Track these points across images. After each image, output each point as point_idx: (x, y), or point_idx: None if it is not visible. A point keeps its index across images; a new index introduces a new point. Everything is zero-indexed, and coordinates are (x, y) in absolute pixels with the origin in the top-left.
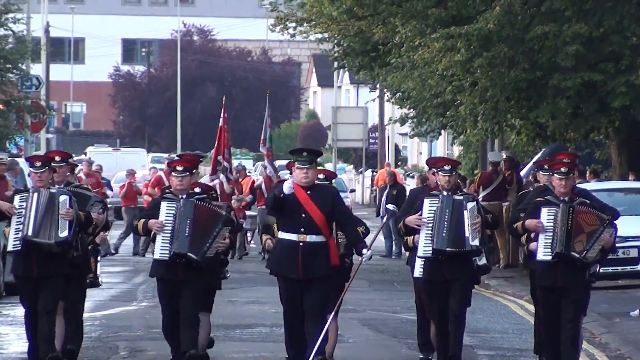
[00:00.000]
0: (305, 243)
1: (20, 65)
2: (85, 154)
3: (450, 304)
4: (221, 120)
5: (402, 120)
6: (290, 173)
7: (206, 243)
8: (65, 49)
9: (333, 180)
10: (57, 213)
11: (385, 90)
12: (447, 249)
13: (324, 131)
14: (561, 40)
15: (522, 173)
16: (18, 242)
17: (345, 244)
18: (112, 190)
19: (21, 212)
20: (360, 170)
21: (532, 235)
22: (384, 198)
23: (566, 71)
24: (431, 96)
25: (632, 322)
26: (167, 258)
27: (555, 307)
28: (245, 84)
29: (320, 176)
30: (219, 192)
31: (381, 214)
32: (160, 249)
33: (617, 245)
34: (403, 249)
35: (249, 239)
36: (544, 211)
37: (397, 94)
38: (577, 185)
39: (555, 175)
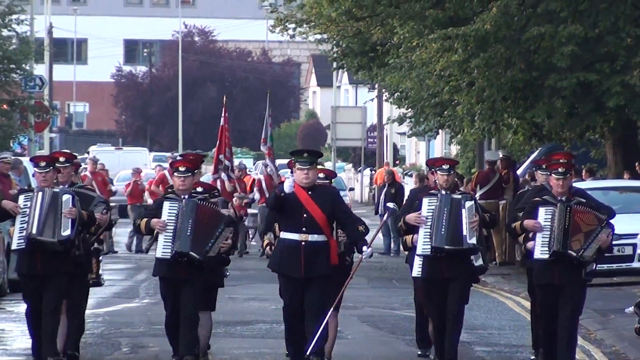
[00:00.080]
0: (307, 242)
1: (23, 65)
2: (88, 153)
3: (449, 303)
4: (222, 119)
5: (400, 120)
6: (291, 171)
7: (208, 243)
8: (68, 50)
9: (332, 180)
10: (60, 212)
11: (383, 90)
12: (446, 247)
13: (323, 130)
14: (557, 40)
15: (519, 172)
16: (22, 241)
17: (346, 242)
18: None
19: (25, 211)
20: (359, 169)
21: (530, 235)
22: (382, 196)
23: (562, 71)
24: (429, 96)
25: (626, 318)
26: (169, 257)
27: (552, 305)
28: (245, 84)
29: (321, 175)
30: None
31: (380, 212)
32: (162, 248)
33: (612, 242)
34: (402, 248)
35: (251, 237)
36: (542, 210)
37: (396, 94)
38: (574, 185)
39: (553, 175)
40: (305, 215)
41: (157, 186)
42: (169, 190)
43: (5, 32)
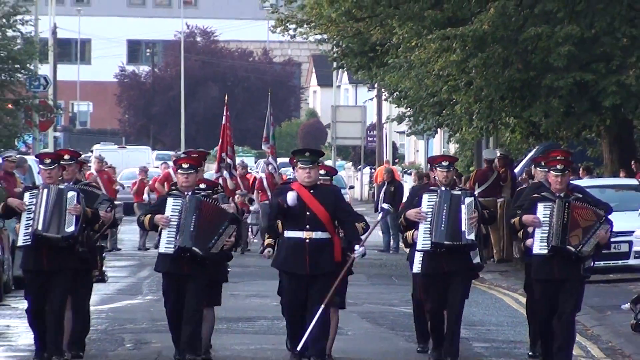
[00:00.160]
0: (311, 240)
1: (28, 65)
2: (92, 151)
3: (450, 299)
4: (224, 118)
5: (400, 119)
6: (293, 168)
7: (212, 239)
8: (72, 50)
9: (333, 177)
10: (64, 208)
11: (383, 89)
12: (445, 242)
13: (323, 129)
14: (554, 41)
15: (516, 170)
16: (28, 237)
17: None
18: None
19: (31, 208)
20: (358, 167)
21: (530, 229)
22: (382, 194)
23: (559, 71)
24: (427, 95)
25: (623, 315)
26: (172, 252)
27: (551, 300)
28: (246, 83)
29: (321, 172)
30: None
31: (379, 210)
32: (165, 244)
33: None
34: (402, 245)
35: (253, 234)
36: (540, 206)
37: (395, 93)
38: (571, 182)
39: (551, 172)
40: (308, 213)
41: (162, 184)
42: (173, 187)
43: (10, 33)
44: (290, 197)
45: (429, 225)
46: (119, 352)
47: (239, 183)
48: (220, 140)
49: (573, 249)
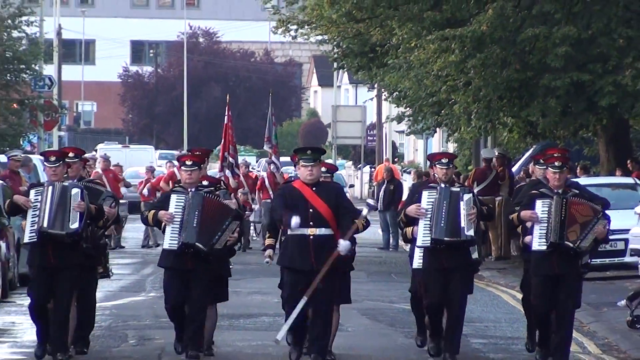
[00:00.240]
0: (315, 236)
1: (33, 66)
2: (96, 150)
3: (451, 297)
4: (226, 118)
5: (399, 119)
6: (295, 166)
7: (215, 235)
8: (77, 51)
9: (333, 174)
10: (69, 205)
11: (382, 89)
12: (445, 238)
13: (324, 129)
14: (551, 41)
15: (514, 169)
16: (34, 234)
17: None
18: None
19: (37, 205)
20: (359, 166)
21: (528, 225)
22: (382, 193)
23: (556, 71)
24: (427, 95)
25: (619, 311)
26: (175, 248)
27: (550, 296)
28: (248, 83)
29: (322, 169)
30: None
31: (379, 208)
32: (169, 240)
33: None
34: (402, 242)
35: (257, 232)
36: (539, 203)
37: (394, 93)
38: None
39: (550, 168)
40: (311, 210)
41: (167, 183)
42: (177, 184)
43: (15, 34)
44: (294, 222)
45: (428, 222)
46: (122, 349)
47: (242, 182)
48: (223, 140)
49: (571, 245)
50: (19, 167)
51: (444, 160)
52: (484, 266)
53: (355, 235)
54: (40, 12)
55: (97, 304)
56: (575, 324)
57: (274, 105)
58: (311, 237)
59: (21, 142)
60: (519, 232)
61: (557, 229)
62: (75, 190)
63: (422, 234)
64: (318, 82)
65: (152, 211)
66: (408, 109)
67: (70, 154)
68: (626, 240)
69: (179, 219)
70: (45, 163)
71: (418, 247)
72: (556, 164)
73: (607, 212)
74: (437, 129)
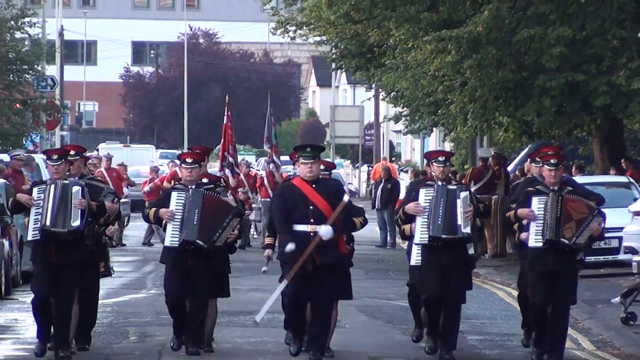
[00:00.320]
0: (316, 233)
1: (36, 66)
2: (97, 150)
3: (449, 294)
4: (225, 118)
5: (396, 118)
6: (294, 164)
7: (216, 232)
8: (79, 51)
9: (332, 172)
10: (70, 203)
11: (380, 89)
12: (443, 236)
13: (322, 128)
14: (546, 42)
15: (509, 168)
16: (37, 232)
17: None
18: None
19: (39, 203)
20: (356, 165)
21: (525, 222)
22: (379, 192)
23: (551, 72)
24: (423, 95)
25: (613, 308)
26: (177, 245)
27: (546, 290)
28: (248, 84)
29: (321, 167)
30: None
31: (377, 207)
32: (170, 237)
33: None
34: (399, 239)
35: (258, 231)
36: (535, 200)
37: (392, 94)
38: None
39: (546, 166)
40: (311, 207)
41: (170, 182)
42: (177, 182)
43: (18, 35)
44: (289, 247)
45: (426, 219)
46: (123, 345)
47: (242, 181)
48: (222, 140)
49: (567, 242)
50: (21, 166)
51: (440, 158)
52: (480, 264)
53: (353, 234)
54: (43, 13)
55: (99, 301)
56: (570, 320)
57: (273, 105)
58: (312, 234)
59: (24, 142)
60: (515, 230)
61: (553, 226)
62: (76, 188)
63: (420, 232)
64: (316, 82)
65: (153, 209)
66: (405, 108)
67: (72, 152)
68: (620, 238)
69: (179, 217)
70: (47, 161)
71: (416, 244)
72: (552, 161)
73: (601, 209)
74: (434, 129)
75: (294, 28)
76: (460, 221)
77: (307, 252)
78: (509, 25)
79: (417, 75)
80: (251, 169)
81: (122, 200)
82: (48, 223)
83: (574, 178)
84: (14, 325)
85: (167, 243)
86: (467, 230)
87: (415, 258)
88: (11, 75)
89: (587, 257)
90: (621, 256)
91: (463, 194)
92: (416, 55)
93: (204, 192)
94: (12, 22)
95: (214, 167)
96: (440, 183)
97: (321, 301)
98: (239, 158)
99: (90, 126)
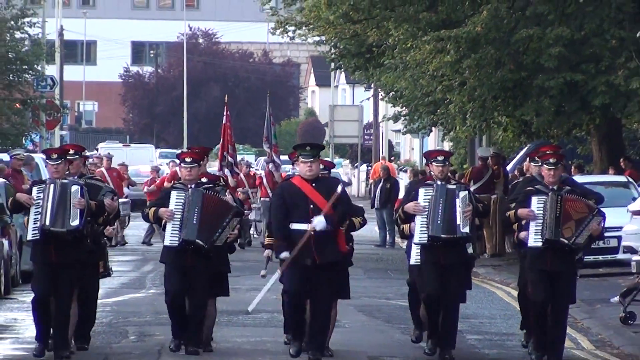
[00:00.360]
0: (316, 231)
1: (35, 66)
2: (97, 149)
3: (447, 293)
4: (224, 118)
5: (395, 118)
6: (293, 164)
7: (216, 232)
8: (78, 51)
9: (330, 170)
10: (69, 203)
11: (379, 89)
12: (442, 235)
13: (321, 128)
14: (545, 42)
15: (508, 168)
16: (37, 232)
17: (346, 228)
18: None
19: (39, 202)
20: (355, 165)
21: (523, 222)
22: (378, 191)
23: (549, 71)
24: (422, 95)
25: (612, 308)
26: (176, 245)
27: (546, 289)
28: (247, 83)
29: (320, 166)
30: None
31: (376, 206)
32: (170, 236)
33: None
34: (398, 239)
35: (259, 231)
36: (534, 200)
37: (391, 93)
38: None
39: (545, 165)
40: (311, 206)
41: (170, 182)
42: (177, 181)
43: (18, 35)
44: (283, 255)
45: (425, 219)
46: (122, 344)
47: (242, 180)
48: (222, 139)
49: (566, 242)
50: (21, 165)
51: (439, 158)
52: (479, 263)
53: (352, 233)
54: (43, 13)
55: (98, 301)
56: (569, 320)
57: (272, 105)
58: (312, 232)
59: (24, 142)
60: (514, 229)
61: (552, 226)
62: (75, 188)
63: (420, 231)
64: (316, 82)
65: (153, 208)
66: (404, 108)
67: (71, 151)
68: (619, 238)
69: (179, 216)
70: (47, 160)
71: (415, 244)
72: (551, 160)
73: (603, 202)
74: (433, 128)
75: (293, 28)
76: (459, 221)
77: (302, 241)
78: (508, 25)
79: (416, 75)
80: (251, 168)
81: (123, 200)
82: (47, 223)
83: (573, 176)
84: (13, 325)
85: (166, 242)
86: (466, 229)
87: (415, 257)
88: (11, 75)
89: (586, 257)
90: (620, 255)
91: (462, 194)
92: (415, 55)
93: (204, 191)
94: (12, 22)
95: (213, 167)
96: (439, 182)
97: (320, 300)
98: (239, 158)
99: (89, 126)
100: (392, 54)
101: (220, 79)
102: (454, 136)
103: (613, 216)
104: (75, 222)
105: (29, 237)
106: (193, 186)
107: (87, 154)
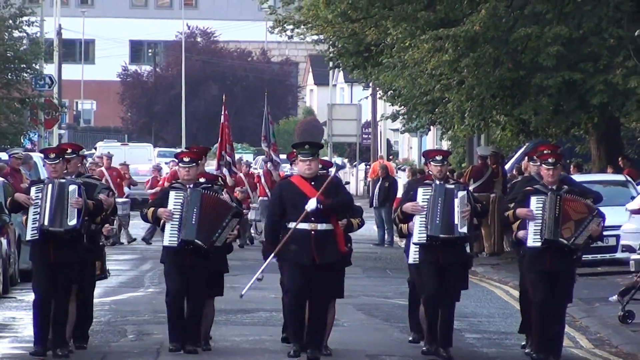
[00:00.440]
0: (317, 231)
1: (34, 65)
2: (95, 148)
3: (446, 292)
4: (222, 117)
5: (394, 117)
6: (291, 164)
7: (215, 232)
8: (77, 50)
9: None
10: (66, 202)
11: (377, 88)
12: (441, 235)
13: (320, 127)
14: (543, 41)
15: (507, 167)
16: (35, 232)
17: (345, 229)
18: None
19: (37, 202)
20: (354, 163)
21: (521, 222)
22: (377, 190)
23: (548, 70)
24: (421, 94)
25: (610, 306)
26: (175, 245)
27: (545, 288)
28: (245, 82)
29: (319, 165)
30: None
31: (375, 205)
32: (169, 237)
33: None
34: (397, 238)
35: (259, 231)
36: (533, 199)
37: (389, 92)
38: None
39: (544, 165)
40: None
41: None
42: (175, 181)
43: (16, 33)
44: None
45: (424, 219)
46: (121, 343)
47: (241, 180)
48: (220, 138)
49: (566, 242)
50: (20, 164)
51: (438, 158)
52: (478, 262)
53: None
54: (41, 12)
55: (97, 300)
56: (567, 319)
57: (270, 103)
58: (312, 232)
59: (22, 140)
60: (513, 229)
61: (551, 226)
62: (72, 187)
63: (418, 231)
64: (314, 80)
65: (152, 208)
66: (402, 107)
67: (68, 150)
68: (617, 237)
69: (177, 216)
70: (45, 160)
71: (414, 243)
72: (550, 160)
73: (600, 209)
74: (431, 127)
75: (291, 27)
76: (456, 220)
77: (295, 225)
78: (506, 24)
79: (415, 73)
80: (251, 168)
81: (123, 199)
82: (46, 223)
83: (572, 175)
84: (12, 324)
85: (165, 243)
86: (464, 229)
87: (413, 257)
88: (9, 73)
89: (584, 256)
90: (618, 254)
91: (461, 194)
92: (413, 53)
93: (202, 191)
94: (11, 21)
95: (211, 166)
96: (438, 182)
97: (319, 300)
98: (237, 157)
99: (88, 125)
100: (390, 52)
101: (219, 78)
102: (452, 135)
103: (611, 215)
104: (72, 222)
105: (28, 237)
106: (191, 186)
107: (85, 153)
